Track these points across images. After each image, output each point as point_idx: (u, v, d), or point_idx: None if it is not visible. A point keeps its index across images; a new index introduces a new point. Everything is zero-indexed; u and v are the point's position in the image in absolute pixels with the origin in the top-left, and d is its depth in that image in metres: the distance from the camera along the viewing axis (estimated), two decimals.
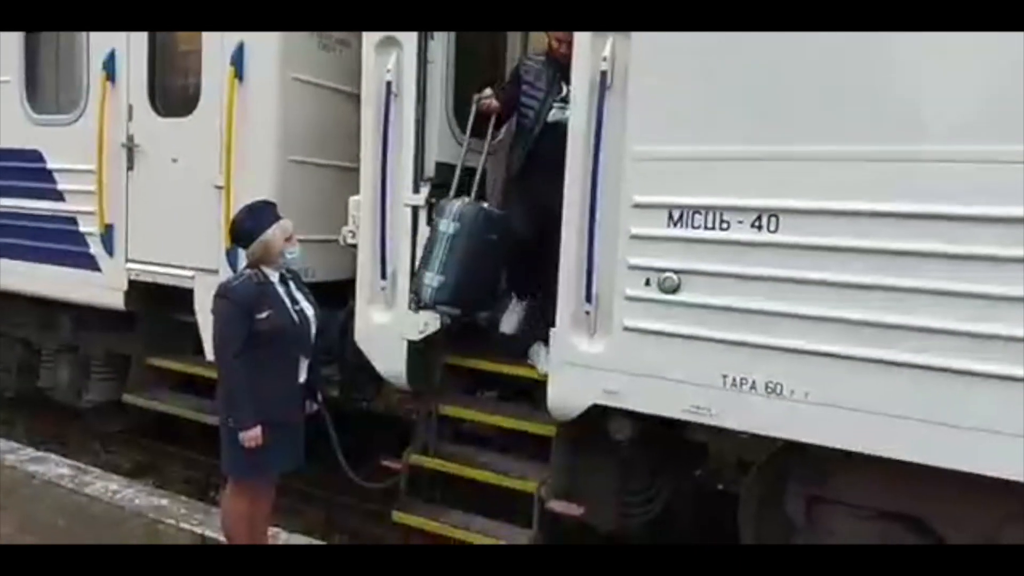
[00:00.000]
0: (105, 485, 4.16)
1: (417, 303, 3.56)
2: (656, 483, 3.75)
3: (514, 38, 4.45)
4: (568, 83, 3.48)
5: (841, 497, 3.04)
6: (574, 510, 3.33)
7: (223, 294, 3.02)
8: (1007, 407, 2.43)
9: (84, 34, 4.65)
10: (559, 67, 3.56)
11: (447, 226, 3.44)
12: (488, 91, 3.75)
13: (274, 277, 3.09)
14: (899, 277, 2.56)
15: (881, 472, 2.81)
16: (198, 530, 3.63)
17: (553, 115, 3.64)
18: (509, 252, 3.67)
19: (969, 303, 2.47)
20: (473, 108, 3.72)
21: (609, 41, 3.00)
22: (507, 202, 3.91)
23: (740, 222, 2.82)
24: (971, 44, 2.41)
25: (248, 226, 3.05)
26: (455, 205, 3.49)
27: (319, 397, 3.29)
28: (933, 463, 2.56)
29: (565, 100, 3.52)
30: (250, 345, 2.95)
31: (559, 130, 3.43)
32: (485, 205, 3.59)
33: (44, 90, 5.06)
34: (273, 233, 3.04)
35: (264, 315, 2.97)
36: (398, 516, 3.60)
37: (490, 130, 3.80)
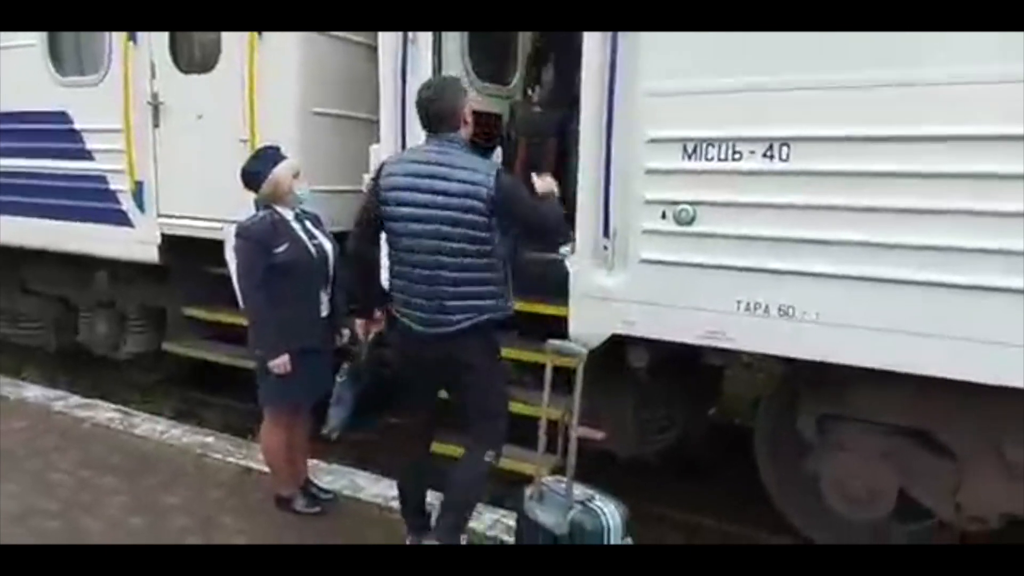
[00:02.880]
0: (152, 427, 4.41)
1: None
2: (672, 412, 3.93)
3: None
4: None
5: (850, 414, 3.20)
6: (596, 435, 3.52)
7: (240, 234, 3.20)
8: (1007, 318, 2.56)
9: None
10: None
11: None
12: None
13: (288, 215, 3.25)
14: (903, 198, 2.68)
15: (889, 388, 2.97)
16: (243, 463, 3.86)
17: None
18: None
19: (971, 220, 2.58)
20: None
21: None
22: None
23: (752, 152, 2.93)
24: None
25: (255, 168, 3.22)
26: None
27: (343, 330, 3.44)
28: (937, 374, 2.70)
29: None
30: (271, 278, 3.14)
31: None
32: None
33: (68, 52, 5.18)
34: (279, 171, 3.19)
35: (281, 249, 3.16)
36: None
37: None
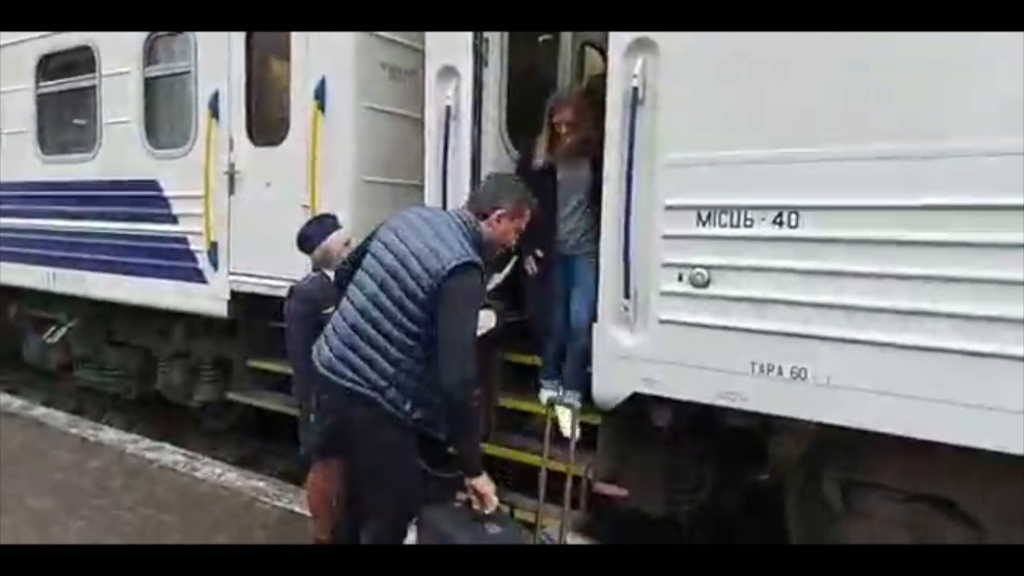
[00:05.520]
0: (212, 470, 4.75)
1: None
2: (702, 472, 3.94)
3: (565, 63, 4.80)
4: None
5: (874, 480, 3.17)
6: (619, 492, 3.59)
7: (292, 292, 3.50)
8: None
9: (192, 78, 5.35)
10: None
11: None
12: None
13: None
14: (911, 266, 2.73)
15: (910, 455, 2.95)
16: (289, 507, 4.11)
17: None
18: None
19: (980, 287, 2.61)
20: None
21: (639, 60, 3.30)
22: None
23: (763, 219, 3.04)
24: (980, 44, 2.56)
25: (308, 234, 3.54)
26: None
27: None
28: (953, 442, 2.69)
29: None
30: (317, 334, 3.38)
31: None
32: None
33: (160, 128, 5.80)
34: (331, 240, 3.50)
35: (329, 310, 3.39)
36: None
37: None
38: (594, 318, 3.54)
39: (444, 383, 2.60)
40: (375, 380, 2.68)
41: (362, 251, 2.91)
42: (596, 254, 3.56)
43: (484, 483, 2.73)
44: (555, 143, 3.84)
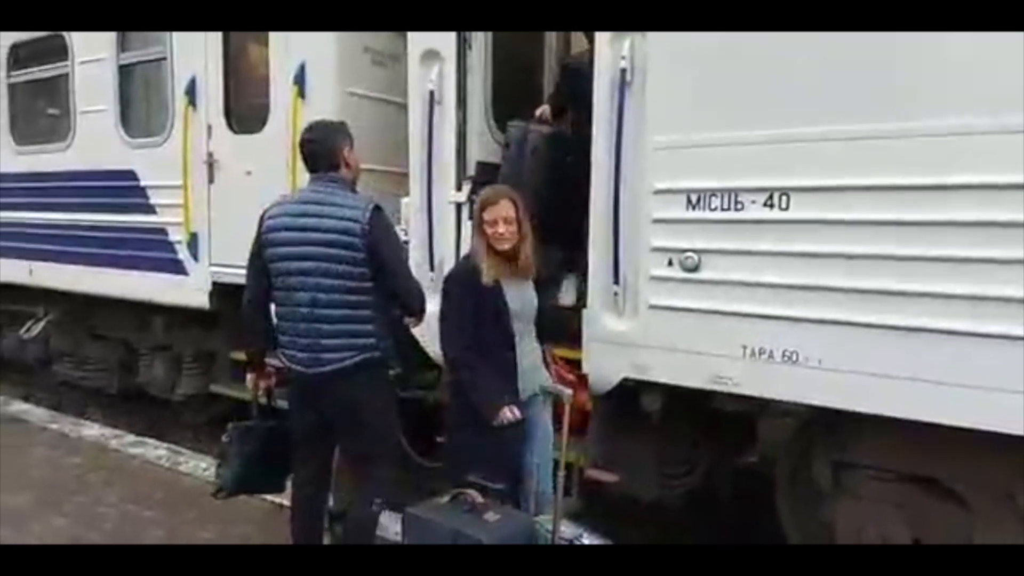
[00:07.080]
0: (196, 464, 4.67)
1: None
2: (694, 456, 3.93)
3: (550, 45, 4.74)
4: None
5: (863, 461, 3.17)
6: (609, 477, 3.56)
7: None
8: (1015, 366, 2.53)
9: (168, 64, 5.22)
10: None
11: None
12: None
13: None
14: (902, 246, 2.71)
15: (898, 435, 2.94)
16: (276, 499, 4.04)
17: None
18: None
19: (969, 267, 2.59)
20: None
21: (627, 42, 3.25)
22: None
23: (753, 202, 3.01)
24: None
25: None
26: None
27: None
28: (941, 421, 2.68)
29: None
30: None
31: None
32: None
33: (136, 116, 5.67)
34: None
35: None
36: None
37: None
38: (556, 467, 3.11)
39: (410, 304, 3.04)
40: (367, 344, 2.90)
41: (259, 268, 2.98)
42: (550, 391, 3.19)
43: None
44: (495, 251, 3.01)
